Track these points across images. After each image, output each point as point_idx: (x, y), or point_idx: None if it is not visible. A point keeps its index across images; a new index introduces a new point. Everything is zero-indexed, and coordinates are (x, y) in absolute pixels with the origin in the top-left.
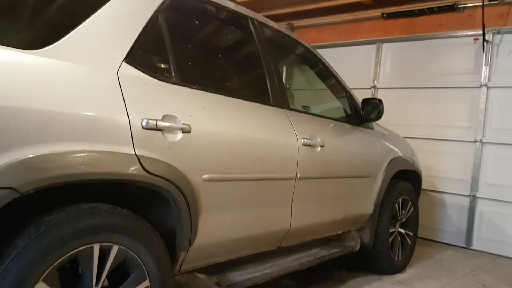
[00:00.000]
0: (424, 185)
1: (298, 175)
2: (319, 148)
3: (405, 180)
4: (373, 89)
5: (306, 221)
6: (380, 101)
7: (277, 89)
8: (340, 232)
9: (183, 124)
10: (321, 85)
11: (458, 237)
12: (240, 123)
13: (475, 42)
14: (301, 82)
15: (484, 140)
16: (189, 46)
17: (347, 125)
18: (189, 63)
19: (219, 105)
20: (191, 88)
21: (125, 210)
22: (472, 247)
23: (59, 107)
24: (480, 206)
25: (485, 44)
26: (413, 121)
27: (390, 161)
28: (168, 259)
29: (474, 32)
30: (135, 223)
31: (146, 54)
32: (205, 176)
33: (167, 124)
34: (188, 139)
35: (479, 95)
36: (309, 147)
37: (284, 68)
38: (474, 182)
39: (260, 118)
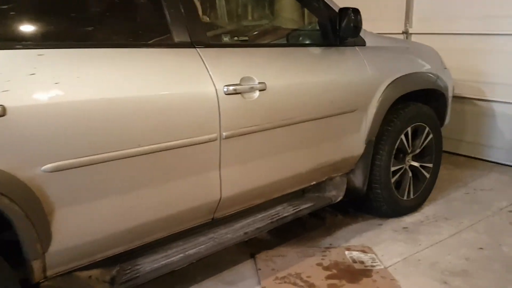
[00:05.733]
0: (469, 93)
1: (224, 134)
2: (256, 93)
3: (424, 102)
4: None
5: (247, 185)
6: (355, 11)
7: (184, 19)
8: (314, 183)
9: None
10: None
11: (509, 155)
12: (107, 82)
13: None
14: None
15: None
16: None
17: (315, 49)
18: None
19: (66, 63)
20: (13, 48)
21: None
22: None
23: None
24: None
25: None
26: (457, 12)
27: (390, 83)
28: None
29: None
30: None
31: None
32: (46, 167)
33: None
34: (2, 124)
35: None
36: (238, 95)
37: None
38: None
39: (146, 69)
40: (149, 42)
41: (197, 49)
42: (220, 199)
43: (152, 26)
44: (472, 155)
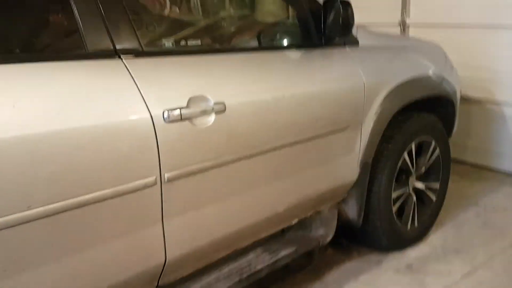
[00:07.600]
0: (476, 93)
1: (166, 176)
2: (212, 117)
3: (427, 110)
4: None
5: (203, 238)
6: (345, 2)
7: (101, 21)
8: (296, 220)
9: None
10: None
11: None
12: None
13: None
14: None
15: None
16: None
17: (293, 53)
18: None
19: None
20: None
21: None
22: None
23: None
24: None
25: None
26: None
27: (389, 92)
28: None
29: None
30: None
31: None
32: None
33: None
34: None
35: None
36: (185, 122)
37: None
38: None
39: (39, 93)
40: (47, 53)
41: (123, 59)
42: (166, 262)
43: (53, 29)
44: (479, 163)
